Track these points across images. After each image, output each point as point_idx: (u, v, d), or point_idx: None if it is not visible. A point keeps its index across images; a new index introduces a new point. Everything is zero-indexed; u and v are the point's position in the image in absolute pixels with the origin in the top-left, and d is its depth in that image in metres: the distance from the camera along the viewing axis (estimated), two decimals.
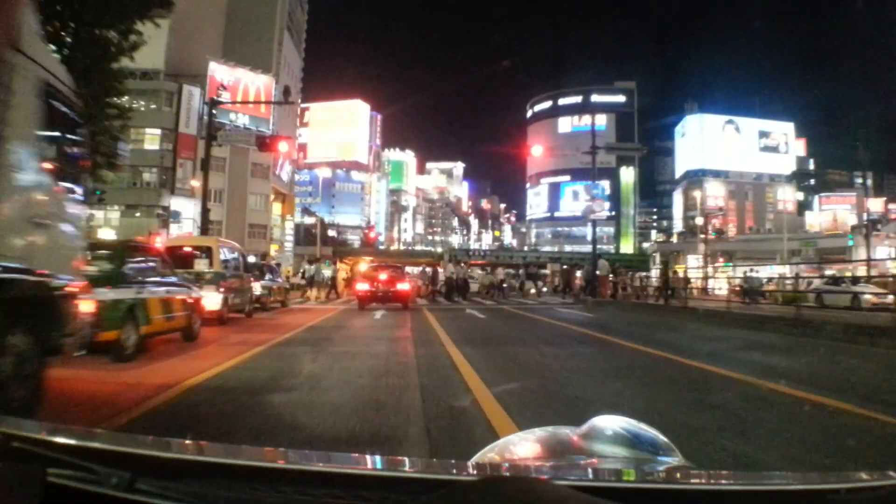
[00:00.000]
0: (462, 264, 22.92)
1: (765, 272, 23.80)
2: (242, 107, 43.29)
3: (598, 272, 19.25)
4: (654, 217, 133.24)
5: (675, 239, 70.22)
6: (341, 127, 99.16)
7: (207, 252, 10.14)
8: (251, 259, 16.66)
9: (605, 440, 1.05)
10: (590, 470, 0.97)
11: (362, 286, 15.81)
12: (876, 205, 64.57)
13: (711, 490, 0.79)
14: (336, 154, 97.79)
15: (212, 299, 9.53)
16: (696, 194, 64.63)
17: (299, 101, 58.06)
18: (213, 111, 19.33)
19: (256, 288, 14.06)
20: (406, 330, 10.24)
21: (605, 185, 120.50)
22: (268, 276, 15.76)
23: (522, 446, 1.17)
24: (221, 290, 9.94)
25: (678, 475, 0.93)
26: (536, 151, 18.76)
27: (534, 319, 13.84)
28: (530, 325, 12.56)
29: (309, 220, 58.55)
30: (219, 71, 42.75)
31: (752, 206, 69.57)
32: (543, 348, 8.07)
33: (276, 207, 50.52)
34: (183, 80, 40.80)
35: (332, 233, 78.76)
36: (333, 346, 7.93)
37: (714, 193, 64.97)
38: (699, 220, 65.85)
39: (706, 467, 1.29)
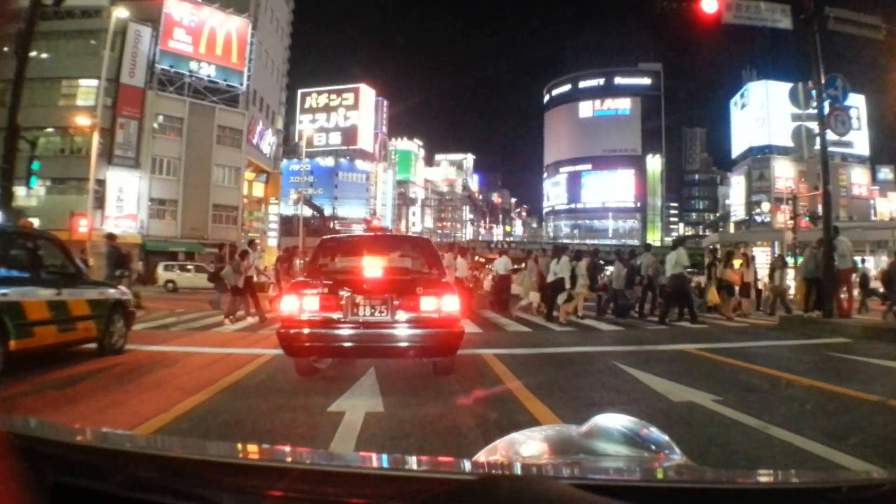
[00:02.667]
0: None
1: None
2: (208, 54, 33.72)
3: (836, 264, 9.35)
4: (677, 209, 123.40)
5: (731, 228, 60.36)
6: (345, 113, 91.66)
7: None
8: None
9: (608, 438, 1.03)
10: (591, 468, 0.96)
11: (306, 302, 4.62)
12: None
13: (713, 488, 0.77)
14: (339, 141, 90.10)
15: None
16: (763, 175, 54.59)
17: (288, 52, 47.82)
18: None
19: None
20: None
21: (630, 174, 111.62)
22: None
23: (526, 444, 1.15)
24: None
25: (680, 473, 0.93)
26: (709, 6, 8.62)
27: None
28: None
29: (307, 212, 48.69)
30: (178, 9, 33.19)
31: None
32: None
33: (258, 189, 40.92)
34: (135, 22, 31.23)
35: (333, 226, 70.30)
36: None
37: (783, 174, 54.55)
38: (765, 206, 55.96)
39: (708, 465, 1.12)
